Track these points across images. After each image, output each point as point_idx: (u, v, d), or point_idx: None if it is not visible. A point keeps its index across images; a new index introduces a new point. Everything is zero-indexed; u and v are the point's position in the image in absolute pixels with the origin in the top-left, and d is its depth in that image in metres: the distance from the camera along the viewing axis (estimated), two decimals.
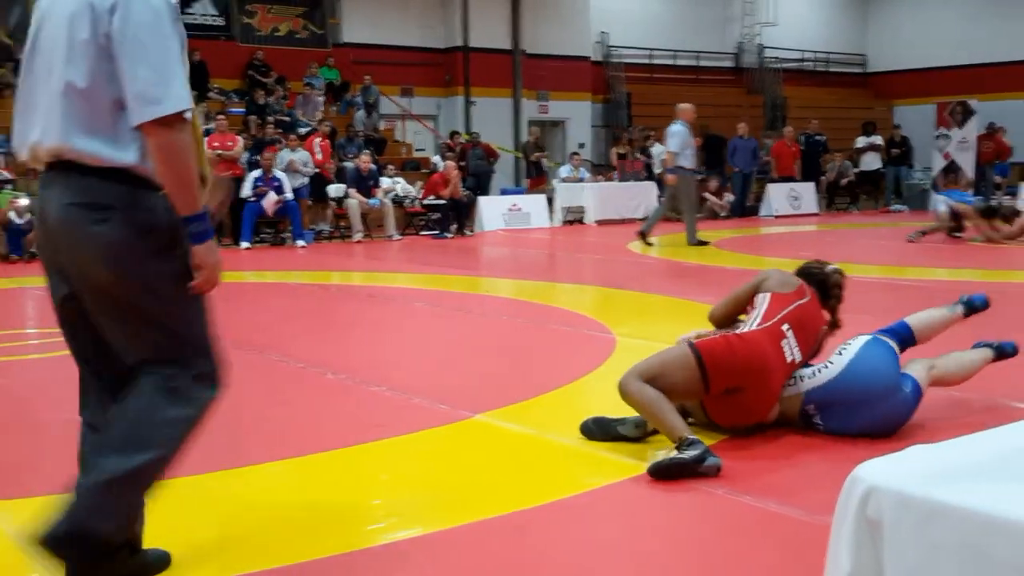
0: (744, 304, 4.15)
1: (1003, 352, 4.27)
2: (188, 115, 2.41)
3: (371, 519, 3.18)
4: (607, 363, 5.38)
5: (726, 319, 4.21)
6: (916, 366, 4.04)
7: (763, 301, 4.02)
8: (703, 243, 12.43)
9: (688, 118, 12.48)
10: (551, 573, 2.79)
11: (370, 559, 2.88)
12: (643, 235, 12.51)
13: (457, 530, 3.06)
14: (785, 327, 3.91)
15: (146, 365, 2.52)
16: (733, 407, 3.87)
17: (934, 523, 1.50)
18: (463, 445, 4.01)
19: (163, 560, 2.77)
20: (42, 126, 2.47)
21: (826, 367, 3.96)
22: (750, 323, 3.95)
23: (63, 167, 2.45)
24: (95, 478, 2.44)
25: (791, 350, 3.90)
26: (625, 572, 2.77)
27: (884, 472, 1.62)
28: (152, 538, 2.93)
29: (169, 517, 3.24)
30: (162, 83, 2.36)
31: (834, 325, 4.25)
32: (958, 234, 12.68)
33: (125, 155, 2.41)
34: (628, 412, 3.88)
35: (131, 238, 2.42)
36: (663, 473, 3.42)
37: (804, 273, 4.27)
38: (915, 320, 4.29)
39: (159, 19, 2.39)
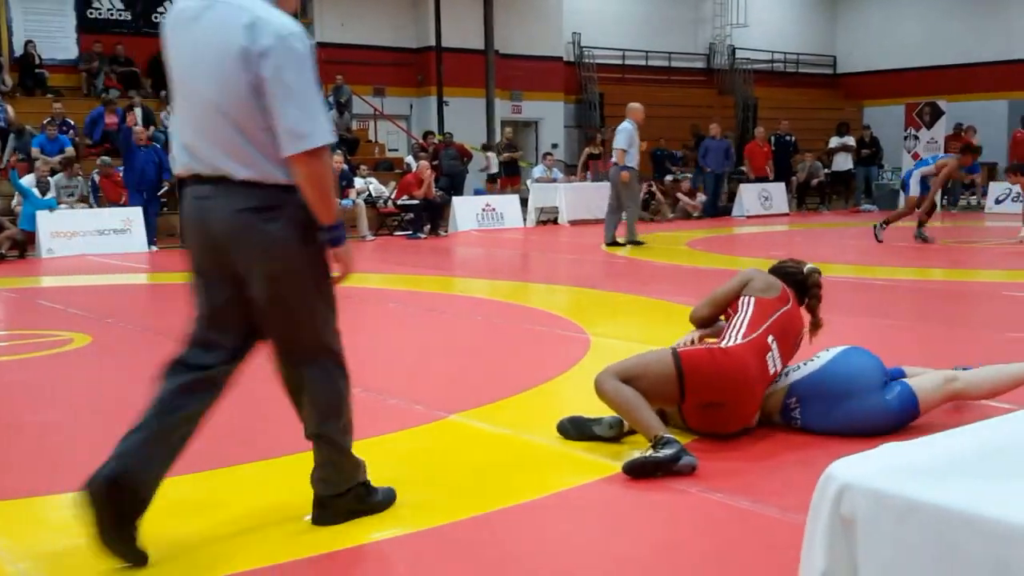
0: (726, 305, 4.09)
1: None
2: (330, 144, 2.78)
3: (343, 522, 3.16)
4: (582, 363, 5.39)
5: (709, 320, 4.15)
6: (929, 376, 3.99)
7: (747, 306, 3.96)
8: (640, 242, 12.49)
9: (637, 118, 12.52)
10: (527, 573, 2.79)
11: (344, 560, 2.87)
12: (612, 244, 12.50)
13: (432, 531, 3.06)
14: (770, 339, 3.87)
15: (299, 354, 2.95)
16: (711, 419, 3.87)
17: (908, 520, 1.51)
18: (438, 445, 4.00)
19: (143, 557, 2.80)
20: (200, 148, 2.80)
21: (811, 361, 3.99)
22: (734, 332, 3.88)
23: (221, 181, 2.79)
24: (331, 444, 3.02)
25: (774, 362, 3.90)
26: (601, 572, 2.78)
27: (858, 469, 1.63)
28: None
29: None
30: (309, 119, 2.71)
31: (816, 325, 4.25)
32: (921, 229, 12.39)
33: (275, 172, 2.77)
34: (604, 412, 3.89)
35: (293, 232, 2.81)
36: (638, 471, 3.43)
37: (781, 272, 4.23)
38: (911, 370, 4.19)
39: (303, 63, 2.73)
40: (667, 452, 3.43)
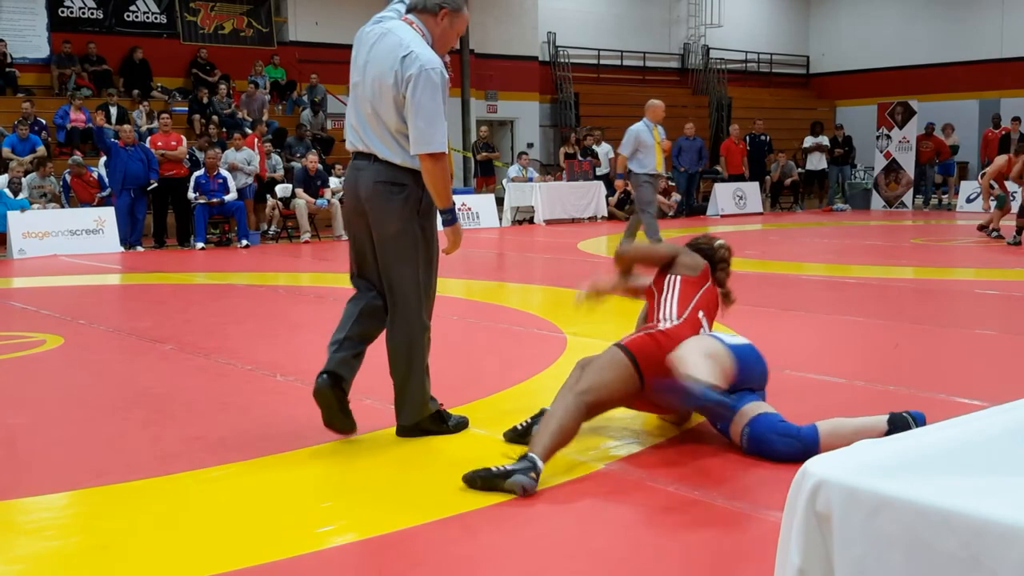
0: (655, 262, 4.23)
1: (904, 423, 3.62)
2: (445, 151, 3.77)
3: (321, 522, 3.15)
4: (558, 362, 5.40)
5: (630, 264, 4.36)
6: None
7: (674, 284, 4.06)
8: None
9: (652, 116, 11.38)
10: (498, 573, 2.79)
11: (318, 562, 2.86)
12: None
13: (407, 531, 3.05)
14: (700, 314, 4.00)
15: (399, 297, 3.91)
16: (664, 401, 3.86)
17: (882, 516, 1.52)
18: (413, 446, 3.99)
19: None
20: (363, 132, 3.87)
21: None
22: (668, 313, 3.96)
23: (370, 158, 3.85)
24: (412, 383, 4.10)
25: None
26: (575, 570, 2.78)
27: (833, 466, 1.64)
28: (93, 543, 2.88)
29: (111, 520, 3.19)
30: (431, 131, 3.70)
31: (728, 298, 4.32)
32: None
33: (407, 158, 3.78)
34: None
35: (412, 205, 3.84)
36: (468, 483, 3.38)
37: (694, 247, 4.34)
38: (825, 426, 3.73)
39: (436, 90, 3.69)
40: (505, 467, 3.37)
